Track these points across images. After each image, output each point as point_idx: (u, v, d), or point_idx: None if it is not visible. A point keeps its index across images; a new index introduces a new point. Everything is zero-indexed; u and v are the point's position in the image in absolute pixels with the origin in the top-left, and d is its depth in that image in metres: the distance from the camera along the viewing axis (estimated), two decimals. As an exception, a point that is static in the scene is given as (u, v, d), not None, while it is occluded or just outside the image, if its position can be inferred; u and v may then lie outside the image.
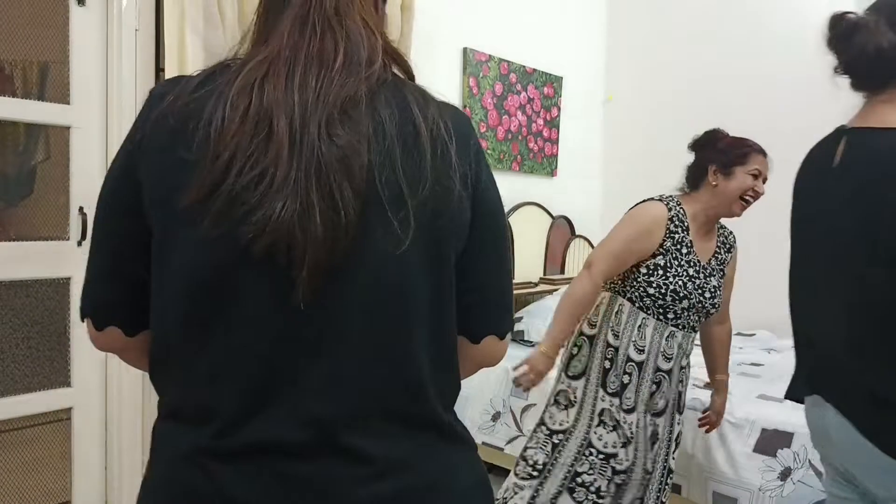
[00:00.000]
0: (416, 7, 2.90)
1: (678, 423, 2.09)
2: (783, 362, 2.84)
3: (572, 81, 4.29)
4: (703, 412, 2.25)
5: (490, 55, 3.64)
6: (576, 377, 2.03)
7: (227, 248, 0.70)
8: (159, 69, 2.32)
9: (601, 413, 1.97)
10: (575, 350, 2.05)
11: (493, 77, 3.67)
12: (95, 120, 2.23)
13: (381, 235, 0.72)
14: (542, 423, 2.08)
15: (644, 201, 2.02)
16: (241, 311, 0.72)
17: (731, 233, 2.13)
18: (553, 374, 2.04)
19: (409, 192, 0.72)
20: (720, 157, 1.96)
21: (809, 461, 2.13)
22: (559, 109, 4.18)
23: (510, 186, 3.85)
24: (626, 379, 1.97)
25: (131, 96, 2.26)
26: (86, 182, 2.22)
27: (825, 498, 1.44)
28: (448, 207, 0.76)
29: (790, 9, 3.76)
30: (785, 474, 2.16)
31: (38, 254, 2.15)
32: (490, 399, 2.91)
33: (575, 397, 2.02)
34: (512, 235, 3.74)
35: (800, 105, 3.36)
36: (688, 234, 1.97)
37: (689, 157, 2.06)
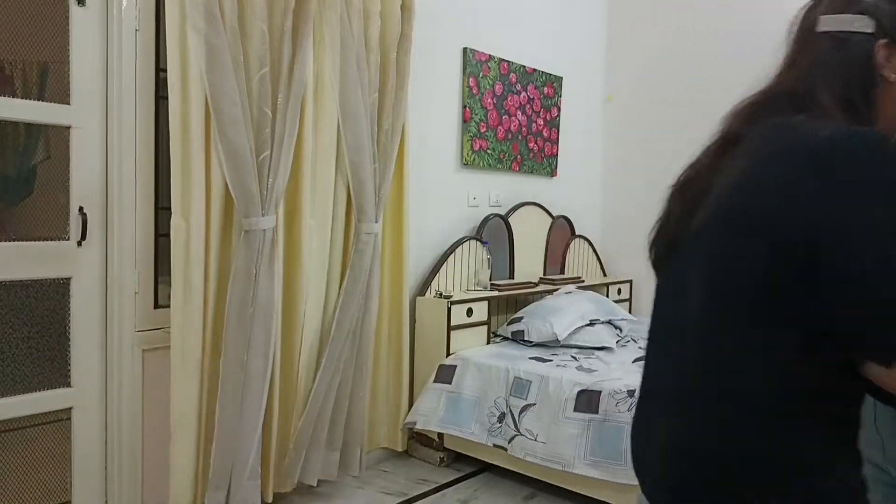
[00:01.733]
0: (416, 7, 2.90)
1: None
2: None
3: (572, 81, 4.29)
4: None
5: (490, 55, 3.64)
6: None
7: None
8: (159, 69, 2.32)
9: None
10: None
11: (493, 77, 3.67)
12: (95, 120, 2.23)
13: (684, 256, 0.94)
14: None
15: None
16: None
17: None
18: None
19: (695, 227, 0.90)
20: None
21: None
22: (559, 109, 4.18)
23: (510, 186, 3.85)
24: None
25: (131, 96, 2.27)
26: (86, 182, 2.22)
27: None
28: (716, 240, 0.86)
29: (791, 8, 3.75)
30: None
31: (38, 254, 2.15)
32: (494, 400, 2.92)
33: None
34: (511, 236, 3.74)
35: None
36: None
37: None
